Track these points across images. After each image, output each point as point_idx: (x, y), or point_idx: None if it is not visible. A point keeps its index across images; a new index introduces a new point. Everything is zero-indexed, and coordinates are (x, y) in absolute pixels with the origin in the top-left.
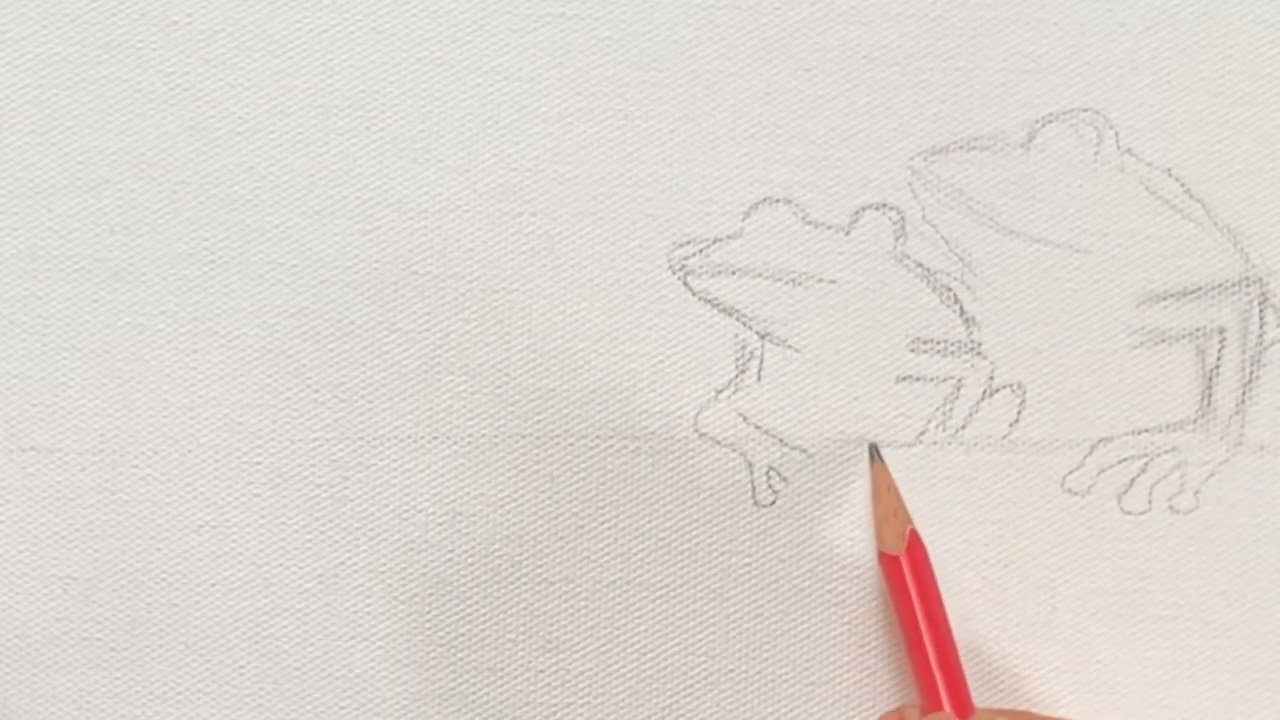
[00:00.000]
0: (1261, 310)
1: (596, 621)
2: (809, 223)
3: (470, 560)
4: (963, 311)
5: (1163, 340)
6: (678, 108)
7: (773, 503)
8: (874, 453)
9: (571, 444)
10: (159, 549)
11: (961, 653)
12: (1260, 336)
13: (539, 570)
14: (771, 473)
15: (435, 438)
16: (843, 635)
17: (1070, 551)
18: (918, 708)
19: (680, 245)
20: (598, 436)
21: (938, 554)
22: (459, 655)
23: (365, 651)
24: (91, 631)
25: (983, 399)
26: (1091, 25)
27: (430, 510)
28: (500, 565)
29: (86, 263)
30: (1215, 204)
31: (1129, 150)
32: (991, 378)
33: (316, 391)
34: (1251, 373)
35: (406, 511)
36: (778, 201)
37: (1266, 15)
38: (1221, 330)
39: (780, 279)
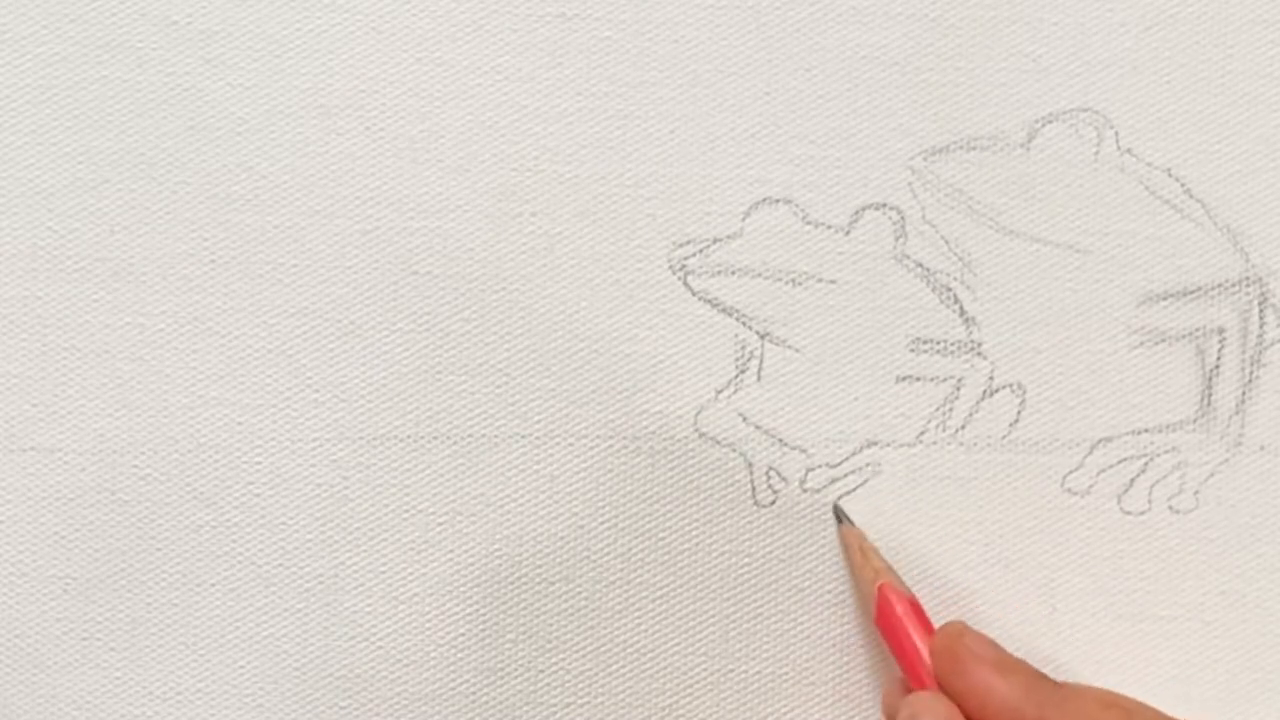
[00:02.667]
0: (1261, 310)
1: (596, 621)
2: (809, 223)
3: (470, 560)
4: (963, 311)
5: (1163, 340)
6: (678, 108)
7: (773, 503)
8: (839, 514)
9: (571, 444)
10: (159, 549)
11: None
12: (1260, 336)
13: (539, 570)
14: (771, 473)
15: (435, 438)
16: (843, 635)
17: (1070, 551)
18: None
19: (680, 245)
20: (598, 436)
21: (937, 554)
22: (459, 655)
23: (365, 651)
24: (91, 631)
25: (983, 399)
26: (1091, 25)
27: (430, 510)
28: (500, 565)
29: (86, 263)
30: (1215, 204)
31: (1129, 150)
32: (991, 378)
33: (316, 391)
34: (1251, 373)
35: (406, 511)
36: (778, 201)
37: (1266, 15)
38: (1221, 330)
39: (780, 279)
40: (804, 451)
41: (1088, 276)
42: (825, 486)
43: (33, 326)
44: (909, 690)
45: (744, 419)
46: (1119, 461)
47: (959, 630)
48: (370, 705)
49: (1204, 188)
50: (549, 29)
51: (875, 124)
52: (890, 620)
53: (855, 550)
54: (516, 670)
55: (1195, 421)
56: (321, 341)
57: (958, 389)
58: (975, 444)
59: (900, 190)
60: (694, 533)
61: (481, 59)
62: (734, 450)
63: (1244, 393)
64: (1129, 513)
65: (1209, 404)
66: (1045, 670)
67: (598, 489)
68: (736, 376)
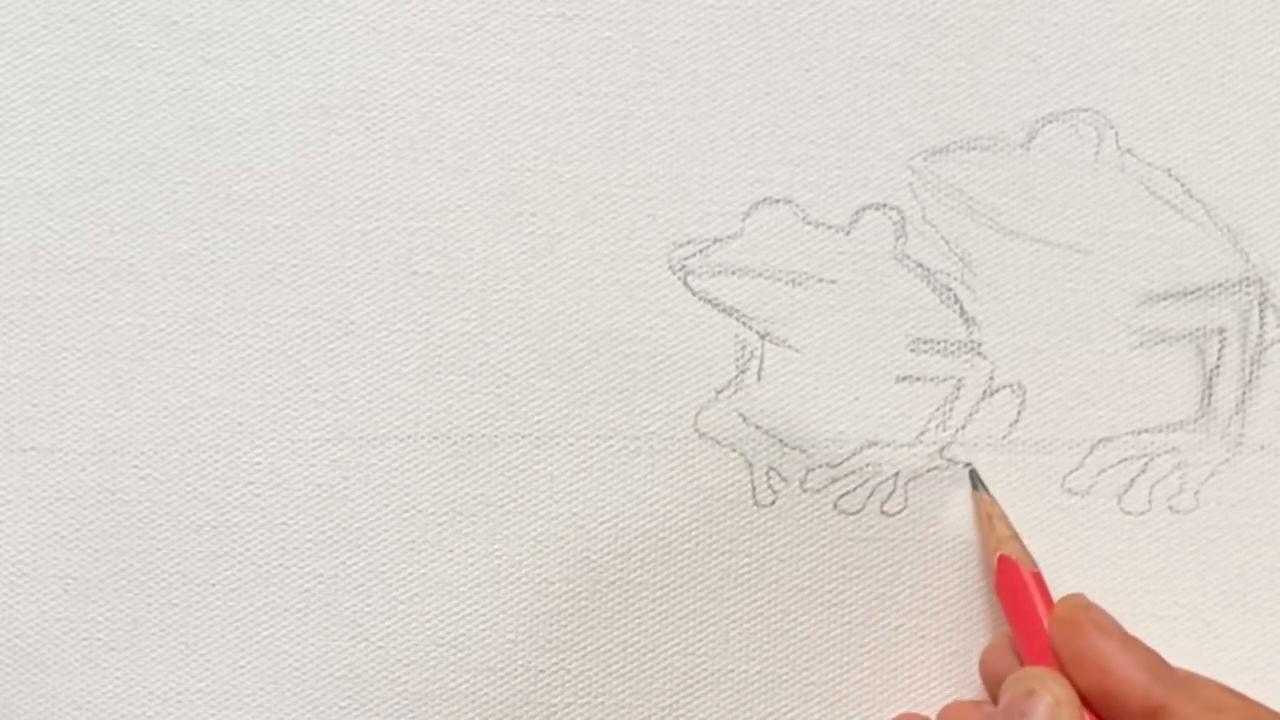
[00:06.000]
0: (1261, 310)
1: (596, 621)
2: (809, 223)
3: (470, 560)
4: (963, 311)
5: (1163, 340)
6: (678, 108)
7: (773, 503)
8: (974, 479)
9: (571, 444)
10: (159, 549)
11: (963, 652)
12: (1260, 336)
13: (539, 570)
14: (771, 473)
15: (435, 438)
16: (843, 635)
17: (1070, 551)
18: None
19: (680, 245)
20: (598, 436)
21: (936, 555)
22: (459, 655)
23: (365, 651)
24: (91, 631)
25: (983, 399)
26: (1091, 25)
27: (430, 510)
28: (500, 565)
29: (86, 263)
30: (1215, 204)
31: (1129, 150)
32: (991, 378)
33: (316, 391)
34: (1251, 373)
35: (406, 511)
36: (778, 201)
37: (1266, 15)
38: (1221, 330)
39: (780, 279)
40: (804, 451)
41: (1088, 276)
42: (825, 486)
43: (33, 326)
44: (1016, 655)
45: (744, 419)
46: (1119, 461)
47: (1084, 601)
48: (370, 705)
49: (1204, 188)
50: (549, 29)
51: (875, 124)
52: (1008, 587)
53: (984, 518)
54: (516, 670)
55: (1195, 421)
56: (321, 341)
57: (958, 389)
58: (975, 444)
59: (900, 190)
60: (694, 533)
61: (481, 59)
62: (734, 450)
63: (1244, 393)
64: (1129, 513)
65: (1209, 404)
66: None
67: (598, 489)
68: (736, 376)
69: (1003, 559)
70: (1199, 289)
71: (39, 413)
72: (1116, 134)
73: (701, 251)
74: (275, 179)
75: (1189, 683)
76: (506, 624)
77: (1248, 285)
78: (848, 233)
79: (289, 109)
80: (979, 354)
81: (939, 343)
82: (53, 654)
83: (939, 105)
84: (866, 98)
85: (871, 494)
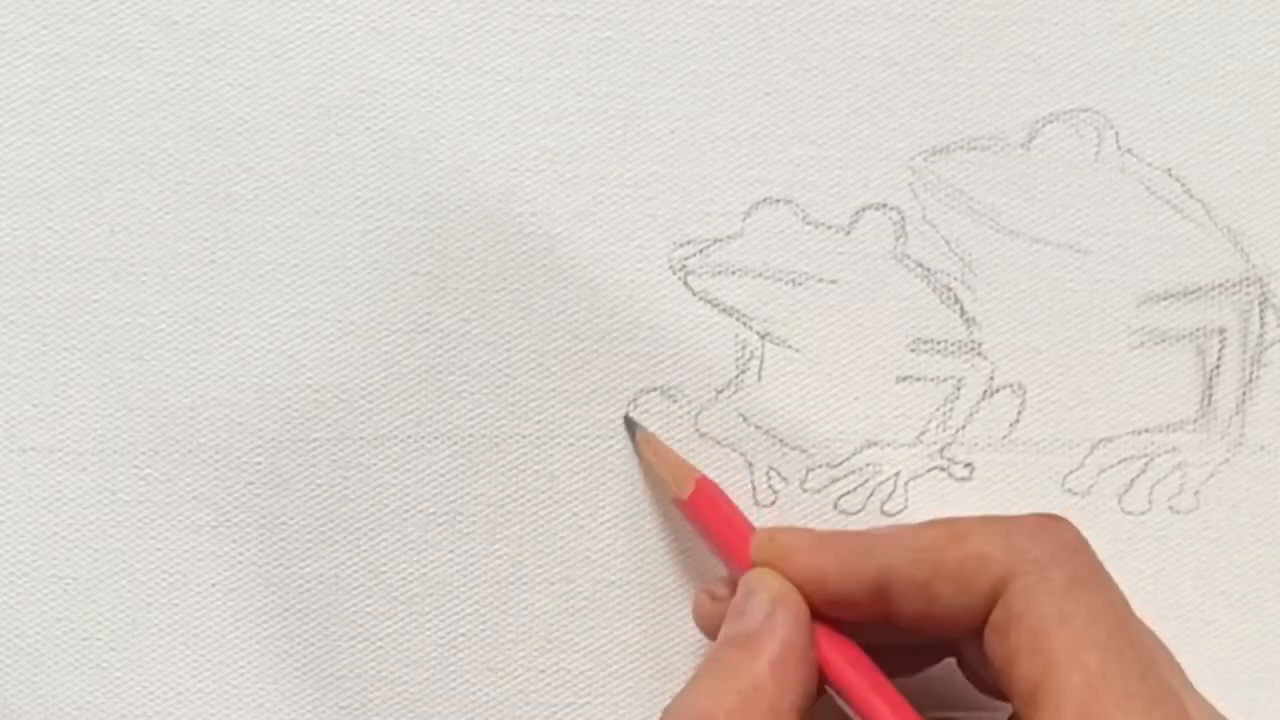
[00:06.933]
0: (1261, 310)
1: (596, 621)
2: (809, 223)
3: (470, 560)
4: (963, 311)
5: (1163, 340)
6: (678, 108)
7: (773, 503)
8: (630, 425)
9: (571, 444)
10: (159, 549)
11: None
12: (1260, 336)
13: (539, 570)
14: (771, 473)
15: (435, 438)
16: None
17: None
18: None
19: (680, 245)
20: (598, 436)
21: None
22: (459, 655)
23: (365, 651)
24: (91, 631)
25: (983, 399)
26: (1091, 25)
27: (430, 510)
28: (500, 565)
29: (86, 263)
30: (1215, 204)
31: (1129, 150)
32: (991, 378)
33: (316, 391)
34: (1251, 373)
35: (406, 511)
36: (778, 201)
37: (1266, 15)
38: (1221, 330)
39: (780, 279)
40: (804, 451)
41: (1088, 276)
42: (825, 486)
43: (33, 326)
44: (717, 598)
45: (744, 419)
46: (1119, 461)
47: (769, 533)
48: (370, 705)
49: (1204, 188)
50: (549, 29)
51: (875, 124)
52: (708, 509)
53: (654, 456)
54: (516, 670)
55: (1195, 421)
56: (321, 341)
57: (958, 389)
58: (975, 444)
59: (900, 190)
60: (694, 532)
61: (481, 59)
62: (734, 450)
63: (1244, 393)
64: (1129, 513)
65: (1209, 404)
66: None
67: (598, 489)
68: (736, 376)
69: (704, 480)
70: (1199, 289)
71: (39, 413)
72: (1116, 134)
73: (701, 251)
74: (275, 179)
75: (893, 534)
76: (506, 624)
77: (1248, 285)
78: (848, 233)
79: (289, 109)
80: (979, 354)
81: (939, 343)
82: (53, 654)
83: (939, 105)
84: (866, 98)
85: (871, 494)
